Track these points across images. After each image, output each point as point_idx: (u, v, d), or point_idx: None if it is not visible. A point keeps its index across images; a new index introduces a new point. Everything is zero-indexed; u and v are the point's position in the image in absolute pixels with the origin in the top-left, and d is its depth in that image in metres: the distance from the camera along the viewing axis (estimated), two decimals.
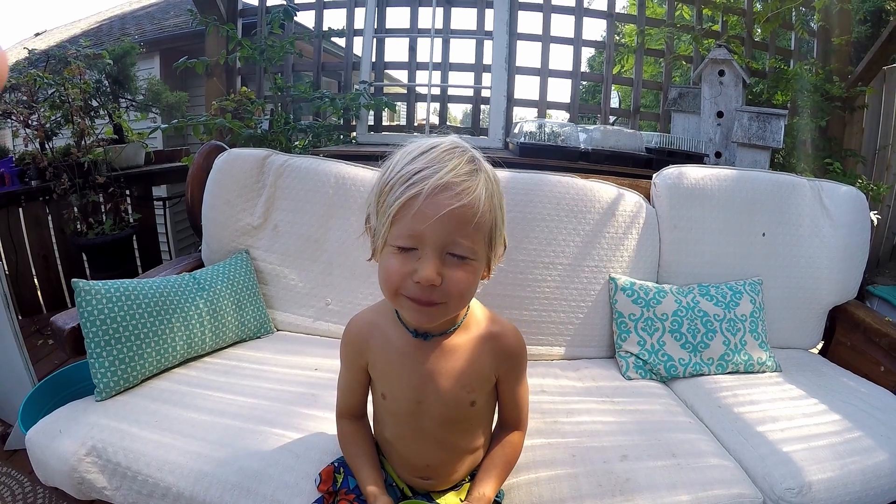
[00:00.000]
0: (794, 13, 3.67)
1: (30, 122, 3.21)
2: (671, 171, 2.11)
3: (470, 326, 1.10)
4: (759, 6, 3.73)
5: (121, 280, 1.62)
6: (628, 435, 1.46)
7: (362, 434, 1.20)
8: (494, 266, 1.02)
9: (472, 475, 1.18)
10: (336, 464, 1.21)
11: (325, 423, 1.40)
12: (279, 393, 1.55)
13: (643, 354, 1.85)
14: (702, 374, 1.84)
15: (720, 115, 3.14)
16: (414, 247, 0.90)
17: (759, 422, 1.53)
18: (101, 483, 1.32)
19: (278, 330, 2.05)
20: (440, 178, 0.86)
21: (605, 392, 1.71)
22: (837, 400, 1.65)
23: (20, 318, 3.41)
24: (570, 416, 1.54)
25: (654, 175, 2.15)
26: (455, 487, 1.18)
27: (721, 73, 3.12)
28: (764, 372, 1.86)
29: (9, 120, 3.23)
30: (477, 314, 1.13)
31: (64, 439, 1.36)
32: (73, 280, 1.50)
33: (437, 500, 1.14)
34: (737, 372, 1.85)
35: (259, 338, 1.97)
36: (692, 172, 2.08)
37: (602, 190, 2.02)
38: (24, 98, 3.24)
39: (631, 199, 2.03)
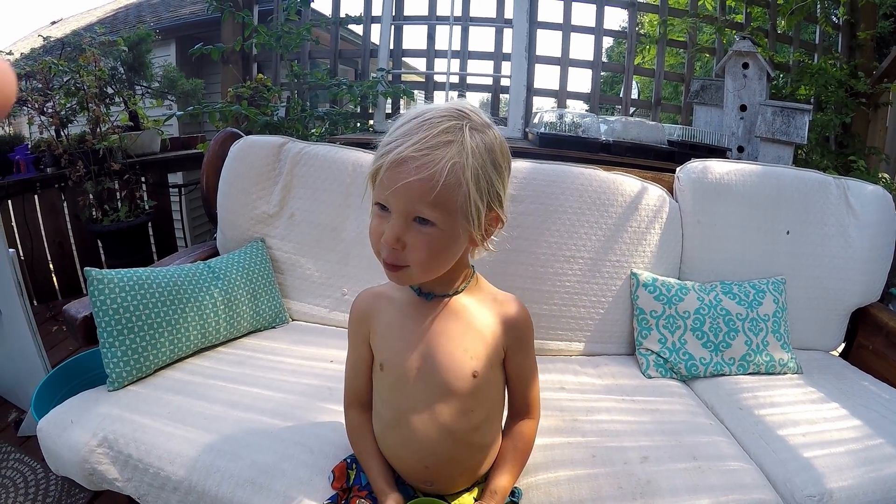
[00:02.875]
0: (818, 6, 3.60)
1: (45, 109, 3.20)
2: (695, 165, 2.06)
3: (475, 293, 1.10)
4: None
5: (134, 269, 1.60)
6: (649, 435, 1.43)
7: (371, 427, 1.16)
8: (483, 239, 0.99)
9: (482, 480, 1.15)
10: (349, 460, 1.19)
11: (341, 416, 1.35)
12: (293, 385, 1.53)
13: (664, 352, 1.81)
14: (723, 374, 1.80)
15: (743, 108, 3.08)
16: (387, 207, 0.92)
17: (780, 425, 1.50)
18: (112, 474, 1.31)
19: (293, 320, 2.04)
20: (399, 153, 0.88)
21: (625, 390, 1.68)
22: (859, 405, 1.61)
23: (36, 304, 3.44)
24: (590, 415, 1.51)
25: (677, 169, 2.11)
26: (469, 489, 1.14)
27: (745, 65, 3.06)
28: (785, 373, 1.82)
29: (24, 107, 3.23)
30: (483, 285, 1.13)
31: (75, 430, 1.35)
32: (85, 269, 1.49)
33: (451, 501, 1.11)
34: (758, 373, 1.81)
35: (274, 328, 1.95)
36: (717, 167, 2.03)
37: (625, 183, 1.98)
38: (40, 85, 3.24)
39: (654, 193, 1.99)
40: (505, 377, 1.14)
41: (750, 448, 1.44)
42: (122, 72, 3.82)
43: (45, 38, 3.86)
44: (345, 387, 1.20)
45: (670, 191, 2.07)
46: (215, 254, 2.08)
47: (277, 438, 1.30)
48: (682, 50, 3.97)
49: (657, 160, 2.84)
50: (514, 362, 1.12)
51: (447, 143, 0.89)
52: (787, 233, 2.00)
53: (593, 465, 1.30)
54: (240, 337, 1.84)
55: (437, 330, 1.04)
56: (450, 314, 1.06)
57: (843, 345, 2.11)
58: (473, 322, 1.06)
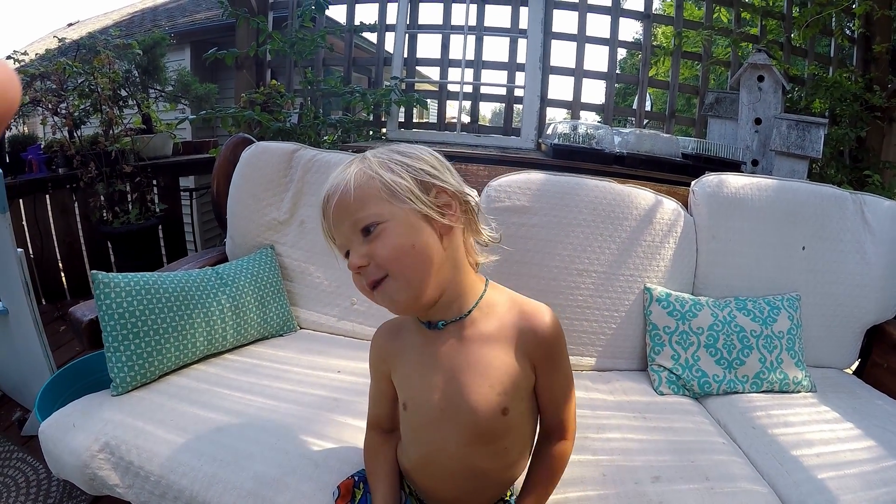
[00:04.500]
0: (833, 19, 3.57)
1: (58, 110, 3.22)
2: (711, 178, 2.03)
3: (490, 313, 1.00)
4: (797, 11, 3.63)
5: (141, 273, 1.59)
6: (660, 454, 1.40)
7: (387, 449, 1.13)
8: (448, 216, 0.93)
9: (509, 496, 1.12)
10: (356, 478, 1.16)
11: (347, 429, 1.35)
12: (300, 395, 1.51)
13: (677, 369, 1.78)
14: (736, 392, 1.76)
15: (758, 121, 3.05)
16: (344, 251, 0.97)
17: (793, 445, 1.47)
18: (113, 480, 1.30)
19: (301, 328, 2.02)
20: (321, 196, 0.98)
21: (636, 407, 1.64)
22: (873, 425, 1.58)
23: (44, 303, 3.46)
24: (601, 433, 1.48)
25: (692, 182, 2.08)
26: None
27: (760, 78, 3.03)
28: (799, 392, 1.79)
29: (38, 108, 3.24)
30: (496, 297, 1.03)
31: (77, 434, 1.34)
32: (92, 272, 1.48)
33: None
34: (771, 391, 1.77)
35: (282, 336, 1.94)
36: (733, 181, 2.00)
37: (640, 196, 1.95)
38: (54, 86, 3.26)
39: (669, 207, 1.96)
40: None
41: (763, 468, 1.41)
42: (136, 75, 3.84)
43: (60, 40, 3.89)
44: (368, 408, 1.17)
45: (685, 204, 2.04)
46: (224, 259, 2.07)
47: (282, 450, 1.28)
48: (696, 62, 3.95)
49: (671, 173, 2.81)
50: (544, 381, 1.01)
51: (349, 163, 0.97)
52: (803, 248, 1.97)
53: (604, 484, 1.27)
54: (247, 344, 1.83)
55: (458, 366, 0.97)
56: (468, 344, 0.98)
57: (857, 362, 2.07)
58: (494, 346, 0.97)
